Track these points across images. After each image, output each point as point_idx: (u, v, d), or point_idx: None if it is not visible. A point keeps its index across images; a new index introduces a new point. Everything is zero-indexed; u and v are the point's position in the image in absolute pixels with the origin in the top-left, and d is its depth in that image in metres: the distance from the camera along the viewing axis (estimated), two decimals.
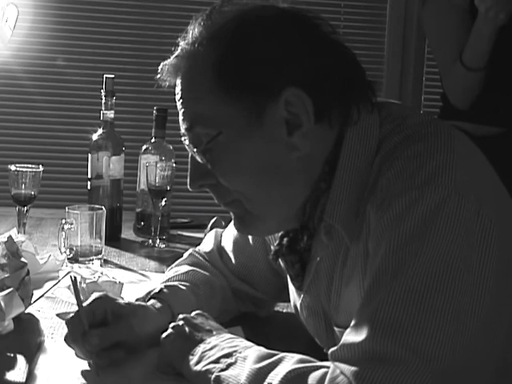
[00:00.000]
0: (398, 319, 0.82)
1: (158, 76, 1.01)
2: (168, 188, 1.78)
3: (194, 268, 1.29)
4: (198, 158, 1.00)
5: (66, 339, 1.07)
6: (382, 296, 0.84)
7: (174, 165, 1.80)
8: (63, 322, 1.17)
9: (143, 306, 1.15)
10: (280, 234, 1.09)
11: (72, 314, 1.08)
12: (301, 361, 0.89)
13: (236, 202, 1.01)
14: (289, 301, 1.22)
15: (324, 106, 0.97)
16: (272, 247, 1.13)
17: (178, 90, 1.01)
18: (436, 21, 2.14)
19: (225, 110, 0.96)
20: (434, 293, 0.83)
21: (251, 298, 1.31)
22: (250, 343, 0.99)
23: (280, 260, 1.10)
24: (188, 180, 1.02)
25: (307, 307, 1.11)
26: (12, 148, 2.99)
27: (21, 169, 1.73)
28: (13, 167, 1.73)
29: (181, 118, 1.01)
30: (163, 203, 1.79)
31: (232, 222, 1.08)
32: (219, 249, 1.34)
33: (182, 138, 1.03)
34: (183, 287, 1.21)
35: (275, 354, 0.92)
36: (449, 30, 2.08)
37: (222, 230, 1.38)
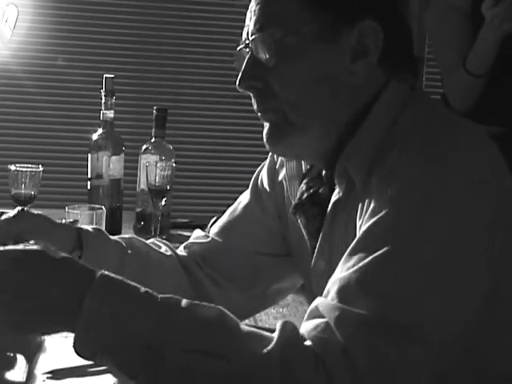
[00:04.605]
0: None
1: None
2: (168, 188, 1.78)
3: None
4: (263, 56, 1.01)
5: None
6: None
7: (174, 165, 1.80)
8: None
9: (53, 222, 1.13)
10: (300, 191, 1.11)
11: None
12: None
13: (277, 111, 1.03)
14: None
15: (391, 50, 1.01)
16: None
17: None
18: (438, 24, 2.14)
19: (302, 17, 0.99)
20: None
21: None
22: None
23: (299, 216, 1.11)
24: (239, 78, 1.04)
25: (319, 270, 1.08)
26: (12, 148, 2.99)
27: (21, 169, 1.73)
28: (13, 167, 1.73)
29: (253, 19, 1.03)
30: (163, 203, 1.79)
31: (264, 133, 1.06)
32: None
33: (241, 46, 1.05)
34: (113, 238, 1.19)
35: None
36: (451, 33, 2.09)
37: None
